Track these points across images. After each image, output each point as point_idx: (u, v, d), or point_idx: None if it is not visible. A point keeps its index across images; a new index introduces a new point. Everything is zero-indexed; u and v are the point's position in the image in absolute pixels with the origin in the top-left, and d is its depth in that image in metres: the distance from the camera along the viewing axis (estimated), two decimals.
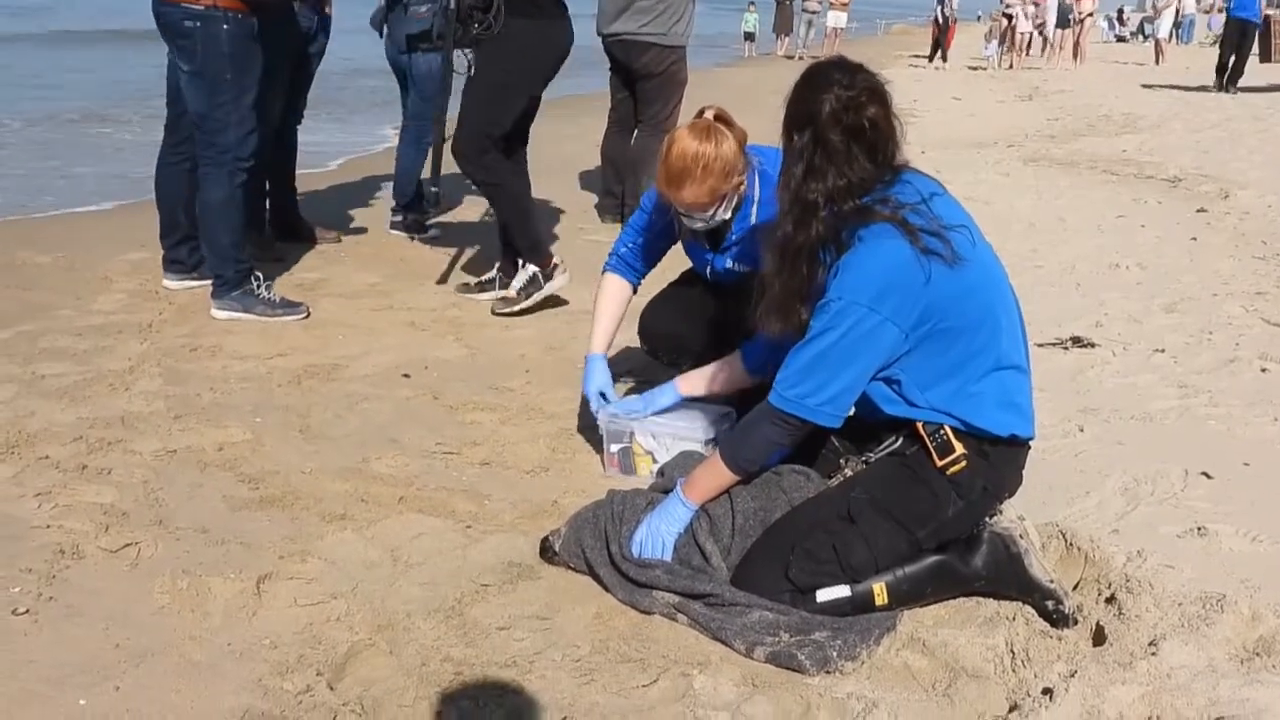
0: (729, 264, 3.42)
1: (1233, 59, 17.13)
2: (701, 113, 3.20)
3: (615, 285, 3.59)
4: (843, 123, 2.49)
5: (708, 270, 3.53)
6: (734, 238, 3.35)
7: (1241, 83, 17.06)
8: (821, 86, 2.50)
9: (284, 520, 3.02)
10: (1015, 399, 2.64)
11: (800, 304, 2.58)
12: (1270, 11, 18.04)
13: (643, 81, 6.82)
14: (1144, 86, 17.96)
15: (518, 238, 5.00)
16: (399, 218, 6.48)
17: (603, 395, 3.44)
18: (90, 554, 2.75)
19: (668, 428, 3.31)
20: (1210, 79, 17.71)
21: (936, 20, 26.90)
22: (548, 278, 5.01)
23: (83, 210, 7.08)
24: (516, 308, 4.99)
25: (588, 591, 2.72)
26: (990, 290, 2.61)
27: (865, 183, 2.52)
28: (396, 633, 2.50)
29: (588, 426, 3.74)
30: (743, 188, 3.22)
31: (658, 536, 2.70)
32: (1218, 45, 18.28)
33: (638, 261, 3.59)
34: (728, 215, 3.26)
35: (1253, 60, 17.73)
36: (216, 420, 3.65)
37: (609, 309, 3.57)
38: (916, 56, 29.10)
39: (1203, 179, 9.07)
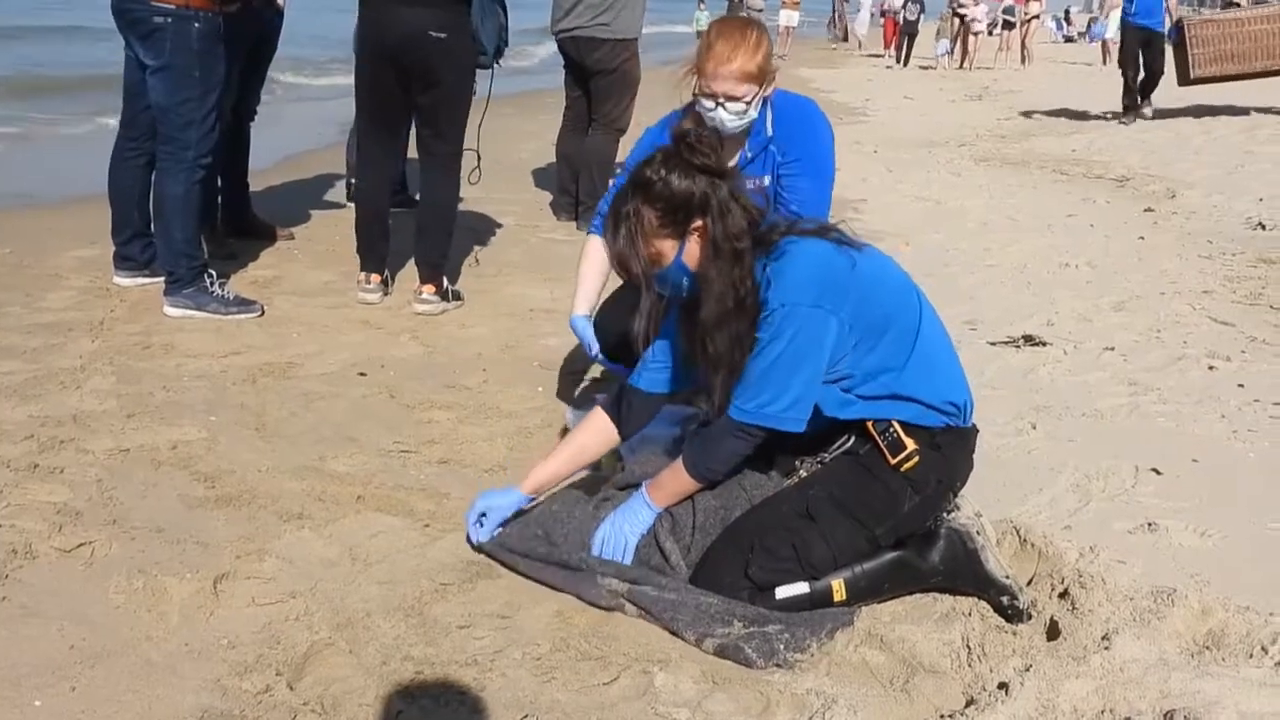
0: (749, 184, 3.33)
1: (1142, 76, 13.54)
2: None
3: (600, 247, 3.49)
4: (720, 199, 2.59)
5: None
6: (748, 154, 3.37)
7: (1158, 105, 13.67)
8: (686, 168, 2.57)
9: (240, 519, 2.99)
10: (950, 369, 2.73)
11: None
12: (1183, 13, 13.84)
13: (596, 78, 6.83)
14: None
15: None
16: None
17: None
18: (44, 553, 2.72)
19: None
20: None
21: (898, 21, 26.98)
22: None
23: (31, 205, 6.94)
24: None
25: (547, 590, 2.72)
26: (894, 268, 2.74)
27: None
28: (356, 631, 2.49)
29: (545, 425, 3.75)
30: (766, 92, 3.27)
31: (620, 536, 2.71)
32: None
33: None
34: (754, 115, 3.27)
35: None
36: (170, 419, 3.62)
37: (593, 271, 3.50)
38: (869, 56, 29.30)
39: (1150, 179, 9.20)
